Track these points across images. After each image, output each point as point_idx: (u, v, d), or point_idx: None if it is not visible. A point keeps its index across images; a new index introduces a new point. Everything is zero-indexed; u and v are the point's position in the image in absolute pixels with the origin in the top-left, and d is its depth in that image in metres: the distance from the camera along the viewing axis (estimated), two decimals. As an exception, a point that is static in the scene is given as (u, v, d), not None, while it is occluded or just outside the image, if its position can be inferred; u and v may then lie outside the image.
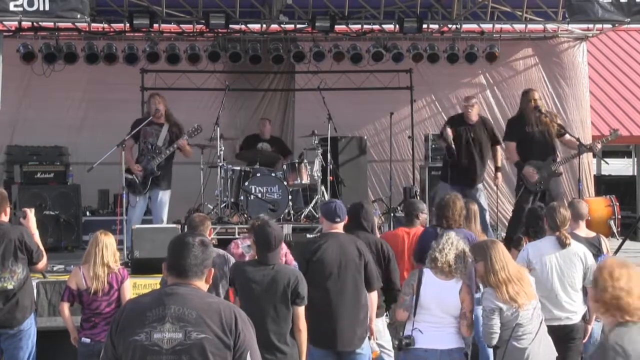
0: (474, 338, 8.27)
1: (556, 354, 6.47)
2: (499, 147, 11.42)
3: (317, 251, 6.74)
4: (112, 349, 3.85)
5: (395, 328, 7.08)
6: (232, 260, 7.30)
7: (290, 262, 7.86)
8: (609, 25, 13.67)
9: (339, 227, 6.92)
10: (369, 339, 6.91)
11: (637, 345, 3.94)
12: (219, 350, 3.78)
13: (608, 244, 8.11)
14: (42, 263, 7.53)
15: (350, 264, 6.73)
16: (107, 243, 7.17)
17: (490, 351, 6.93)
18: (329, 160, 12.44)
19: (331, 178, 12.54)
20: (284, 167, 11.82)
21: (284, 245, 7.73)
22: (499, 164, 11.59)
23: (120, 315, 3.92)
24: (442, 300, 6.30)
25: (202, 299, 3.87)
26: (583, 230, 7.83)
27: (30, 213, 7.52)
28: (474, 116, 11.11)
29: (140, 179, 10.52)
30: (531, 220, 8.01)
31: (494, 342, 6.30)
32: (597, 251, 7.69)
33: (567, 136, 10.93)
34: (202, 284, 3.95)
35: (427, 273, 6.39)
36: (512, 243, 8.48)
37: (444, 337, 6.30)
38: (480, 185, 11.19)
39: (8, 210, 7.43)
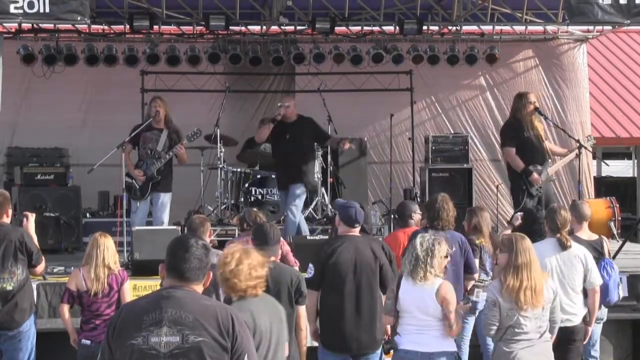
0: (477, 339, 8.30)
1: None
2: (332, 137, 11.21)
3: (332, 254, 6.73)
4: (109, 352, 3.84)
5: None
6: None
7: (288, 252, 7.86)
8: (609, 27, 13.66)
9: (355, 230, 6.90)
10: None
11: (245, 313, 4.69)
12: (217, 353, 3.78)
13: (609, 246, 8.11)
14: (41, 266, 7.55)
15: (366, 267, 6.73)
16: (107, 245, 7.18)
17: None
18: (329, 162, 12.45)
19: (331, 180, 12.55)
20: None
21: (287, 247, 7.75)
22: (338, 139, 11.32)
23: (117, 318, 3.90)
24: (420, 303, 6.21)
25: (198, 302, 3.86)
26: (585, 233, 7.82)
27: (32, 217, 7.54)
28: (290, 115, 10.93)
29: (140, 184, 10.48)
30: (533, 224, 7.97)
31: (492, 333, 6.30)
32: (599, 254, 7.69)
33: (546, 144, 10.88)
34: (200, 287, 3.94)
35: (405, 277, 6.32)
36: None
37: (425, 339, 6.20)
38: (301, 187, 10.90)
39: (10, 211, 7.44)
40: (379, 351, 6.82)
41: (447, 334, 6.24)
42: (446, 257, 6.31)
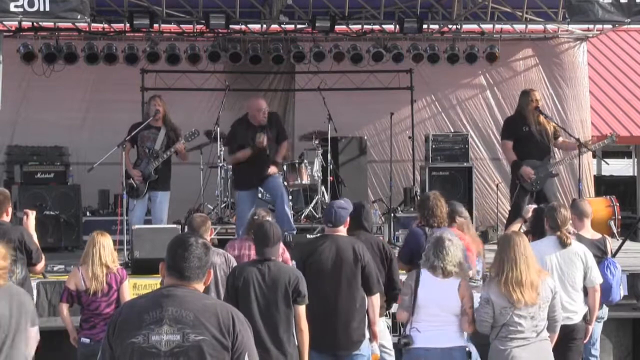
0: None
1: None
2: (284, 143, 10.82)
3: (313, 253, 6.71)
4: (109, 351, 3.83)
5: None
6: (233, 260, 7.30)
7: (287, 261, 7.85)
8: (609, 26, 13.66)
9: (340, 230, 6.86)
10: (371, 341, 6.89)
11: None
12: (217, 351, 3.77)
13: (611, 245, 8.10)
14: (41, 265, 7.54)
15: (346, 267, 6.67)
16: (104, 243, 7.16)
17: None
18: (329, 161, 12.45)
19: (331, 178, 12.55)
20: (284, 167, 11.82)
21: (287, 254, 7.73)
22: (279, 160, 10.78)
23: (117, 317, 3.89)
24: (441, 299, 6.30)
25: (199, 301, 3.85)
26: (588, 232, 7.81)
27: (32, 215, 7.53)
28: (264, 118, 10.54)
29: (138, 183, 10.47)
30: (539, 221, 7.91)
31: (486, 330, 6.32)
32: (602, 254, 7.68)
33: (561, 139, 10.96)
34: (200, 286, 3.94)
35: (425, 273, 6.38)
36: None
37: (444, 335, 6.30)
38: (280, 180, 10.65)
39: (10, 210, 7.43)
40: (362, 352, 6.76)
41: (466, 330, 6.35)
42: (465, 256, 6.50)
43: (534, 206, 8.62)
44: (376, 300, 6.82)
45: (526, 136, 10.55)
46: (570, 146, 11.08)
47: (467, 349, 6.53)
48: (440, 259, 6.33)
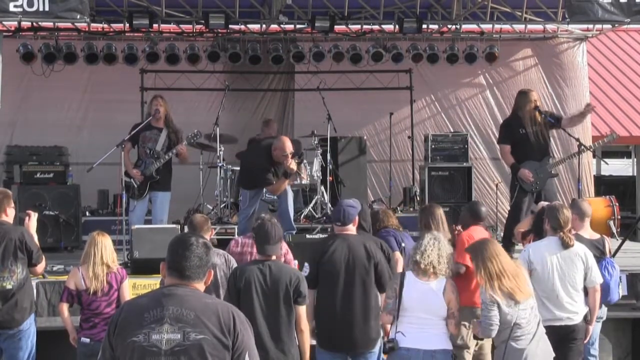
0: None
1: (553, 355, 6.46)
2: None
3: (325, 253, 6.73)
4: (110, 350, 3.84)
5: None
6: (233, 260, 7.29)
7: (290, 262, 7.85)
8: (609, 26, 13.66)
9: (349, 229, 6.89)
10: (382, 338, 6.89)
11: None
12: (218, 350, 3.77)
13: (610, 245, 8.10)
14: (41, 266, 7.53)
15: (359, 265, 6.71)
16: (105, 243, 7.18)
17: None
18: (328, 161, 12.45)
19: (331, 178, 12.55)
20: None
21: (284, 245, 7.74)
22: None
23: (118, 316, 3.90)
24: (425, 301, 6.25)
25: (200, 300, 3.86)
26: (587, 231, 7.81)
27: (34, 216, 7.53)
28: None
29: (138, 183, 10.45)
30: (541, 221, 7.86)
31: (493, 334, 6.32)
32: (600, 254, 7.67)
33: (565, 119, 11.11)
34: (201, 286, 3.94)
35: (409, 275, 6.35)
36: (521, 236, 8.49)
37: (426, 337, 6.25)
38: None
39: (10, 210, 7.42)
40: (375, 350, 6.79)
41: (452, 332, 6.33)
42: (451, 257, 6.43)
43: (546, 203, 8.57)
44: None
45: (523, 138, 10.52)
46: (575, 120, 11.29)
47: (452, 352, 6.51)
48: (419, 255, 6.31)
